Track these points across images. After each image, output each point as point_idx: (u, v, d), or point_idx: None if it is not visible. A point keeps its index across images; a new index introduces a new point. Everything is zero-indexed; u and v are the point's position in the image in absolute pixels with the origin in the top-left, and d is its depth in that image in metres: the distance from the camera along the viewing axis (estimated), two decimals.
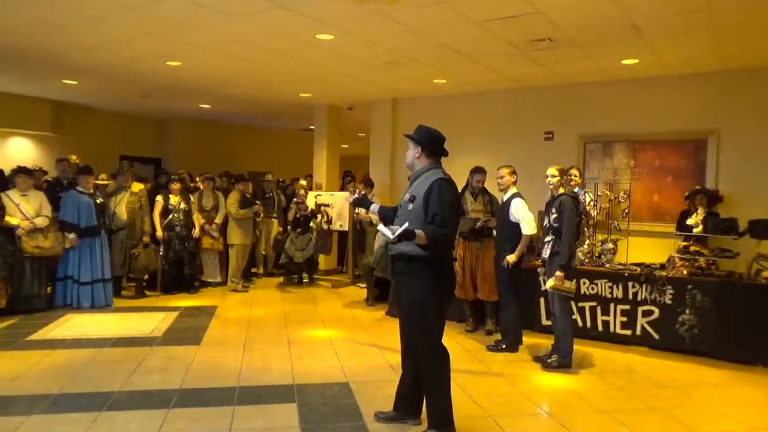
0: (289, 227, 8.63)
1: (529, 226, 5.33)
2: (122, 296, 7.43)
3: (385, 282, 6.92)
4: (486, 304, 6.10)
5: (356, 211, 8.35)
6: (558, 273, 4.78)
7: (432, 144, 3.52)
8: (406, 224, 3.21)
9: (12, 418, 3.60)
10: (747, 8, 4.72)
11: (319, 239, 8.72)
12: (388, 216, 3.82)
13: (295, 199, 8.63)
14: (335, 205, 9.02)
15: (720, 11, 4.79)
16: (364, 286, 7.88)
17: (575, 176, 6.30)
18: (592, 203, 6.43)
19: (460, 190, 5.54)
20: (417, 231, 3.23)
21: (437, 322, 3.46)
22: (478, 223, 5.89)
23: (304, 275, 8.92)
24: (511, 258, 5.35)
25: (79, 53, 6.84)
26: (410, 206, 3.41)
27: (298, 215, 8.57)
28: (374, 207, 3.88)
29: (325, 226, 8.86)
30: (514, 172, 5.53)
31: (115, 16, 5.38)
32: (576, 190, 6.28)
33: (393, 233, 3.17)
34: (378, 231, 3.29)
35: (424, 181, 3.42)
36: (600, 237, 6.28)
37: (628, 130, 7.33)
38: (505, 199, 5.54)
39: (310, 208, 8.68)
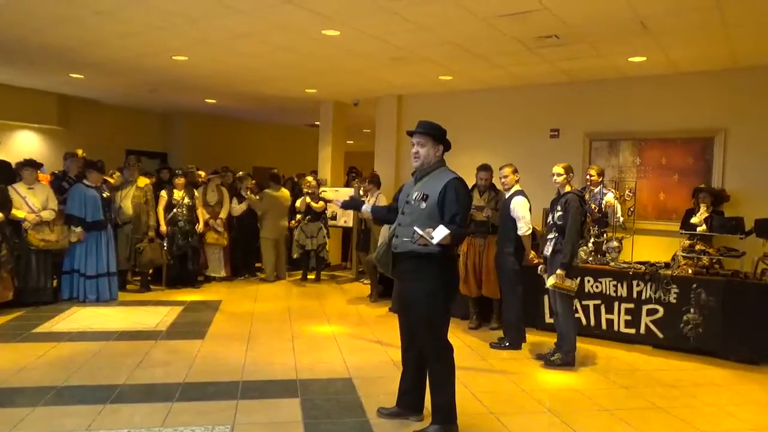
0: (298, 215, 8.58)
1: (523, 227, 5.34)
2: (127, 290, 7.46)
3: (390, 278, 6.90)
4: (492, 301, 6.11)
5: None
6: (559, 271, 4.76)
7: (445, 139, 3.52)
8: (442, 227, 3.16)
9: (17, 410, 3.62)
10: (756, 6, 4.69)
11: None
12: (381, 215, 3.83)
13: (306, 189, 8.58)
14: (340, 201, 8.97)
15: (729, 9, 4.75)
16: (368, 282, 7.88)
17: (591, 175, 6.29)
18: (615, 201, 6.33)
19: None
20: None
21: (444, 318, 3.47)
22: (484, 213, 5.87)
23: (310, 274, 8.79)
24: (532, 257, 5.46)
25: (87, 48, 6.86)
26: (422, 205, 3.37)
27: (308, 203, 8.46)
28: (366, 207, 3.89)
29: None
30: (516, 171, 5.54)
31: (122, 10, 5.40)
32: (597, 189, 6.28)
33: (429, 236, 3.13)
34: (414, 232, 3.18)
35: (436, 180, 3.40)
36: (609, 235, 6.24)
37: (635, 127, 7.30)
38: (507, 197, 5.54)
39: (320, 203, 8.49)
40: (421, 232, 3.16)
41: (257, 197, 8.52)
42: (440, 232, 3.14)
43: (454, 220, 3.27)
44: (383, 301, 7.28)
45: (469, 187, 5.97)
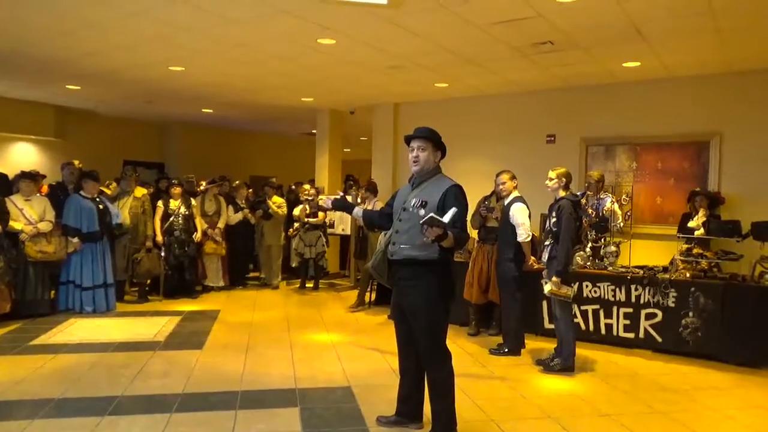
0: (296, 223, 8.55)
1: (522, 234, 5.34)
2: (125, 301, 7.44)
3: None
4: (492, 308, 6.11)
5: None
6: (554, 278, 4.77)
7: (442, 145, 3.54)
8: (454, 209, 3.14)
9: (15, 423, 3.61)
10: (749, 11, 4.72)
11: None
12: (373, 219, 3.84)
13: (304, 196, 8.58)
14: (330, 199, 8.96)
15: (722, 14, 4.79)
16: (368, 290, 7.85)
17: (593, 178, 6.32)
18: (615, 205, 6.33)
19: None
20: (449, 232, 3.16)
21: (443, 325, 3.46)
22: (493, 214, 5.89)
23: (309, 282, 8.78)
24: (532, 262, 5.48)
25: (83, 59, 6.87)
26: (422, 212, 3.35)
27: (308, 213, 8.44)
28: (357, 210, 3.87)
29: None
30: (513, 177, 5.55)
31: (118, 22, 5.41)
32: (599, 196, 6.30)
33: (440, 217, 3.08)
34: (422, 218, 3.11)
35: (435, 186, 3.42)
36: (607, 240, 6.25)
37: (630, 132, 7.32)
38: (506, 203, 5.54)
39: (320, 215, 8.42)
40: (432, 214, 3.09)
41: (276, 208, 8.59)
42: (449, 214, 3.12)
43: (455, 225, 3.26)
44: (382, 309, 7.27)
45: (489, 193, 6.09)
